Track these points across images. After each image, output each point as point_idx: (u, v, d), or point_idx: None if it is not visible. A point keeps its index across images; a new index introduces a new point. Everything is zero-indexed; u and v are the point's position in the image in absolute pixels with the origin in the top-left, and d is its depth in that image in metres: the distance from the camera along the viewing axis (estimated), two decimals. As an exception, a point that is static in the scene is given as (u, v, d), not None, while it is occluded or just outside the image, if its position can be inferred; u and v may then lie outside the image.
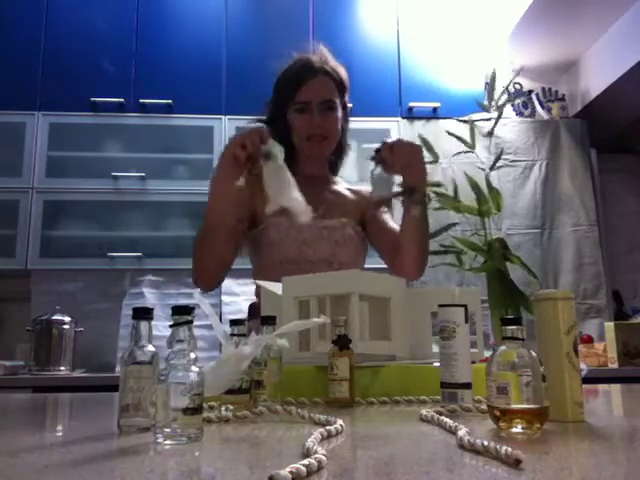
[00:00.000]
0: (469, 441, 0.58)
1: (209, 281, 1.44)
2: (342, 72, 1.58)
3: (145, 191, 2.89)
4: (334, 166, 1.66)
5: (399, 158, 1.28)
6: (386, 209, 1.31)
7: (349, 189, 1.65)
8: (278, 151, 1.22)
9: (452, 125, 3.11)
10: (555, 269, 3.09)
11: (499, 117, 1.35)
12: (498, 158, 1.34)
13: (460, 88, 3.16)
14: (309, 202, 1.29)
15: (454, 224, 1.22)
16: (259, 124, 1.31)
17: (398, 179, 1.30)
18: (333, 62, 1.57)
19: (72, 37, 3.00)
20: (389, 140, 1.33)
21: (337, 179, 1.67)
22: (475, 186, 1.20)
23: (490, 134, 1.28)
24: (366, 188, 1.65)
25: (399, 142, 1.32)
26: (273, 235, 1.46)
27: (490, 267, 1.15)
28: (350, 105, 3.01)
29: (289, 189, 1.21)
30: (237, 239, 1.44)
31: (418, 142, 1.28)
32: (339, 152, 1.64)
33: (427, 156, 1.27)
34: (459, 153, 1.28)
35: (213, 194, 1.35)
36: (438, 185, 1.21)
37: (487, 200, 1.19)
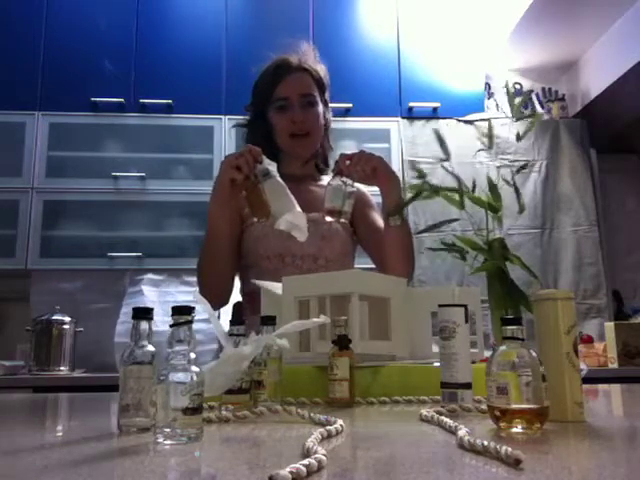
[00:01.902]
0: (469, 441, 0.58)
1: (220, 297, 1.43)
2: (321, 70, 1.57)
3: (145, 191, 2.89)
4: (320, 167, 1.64)
5: (358, 168, 1.31)
6: (335, 219, 1.33)
7: None
8: (273, 167, 1.25)
9: (452, 125, 3.14)
10: (555, 269, 3.09)
11: (532, 125, 1.36)
12: (523, 167, 1.35)
13: (460, 88, 3.16)
14: (297, 199, 1.29)
15: (455, 220, 1.22)
16: (253, 146, 1.31)
17: (353, 192, 1.34)
18: (312, 60, 1.56)
19: (72, 37, 3.00)
20: (347, 152, 1.37)
21: (324, 177, 1.65)
22: (492, 185, 1.20)
23: (519, 138, 1.29)
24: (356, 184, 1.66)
25: (359, 153, 1.35)
26: (258, 231, 1.45)
27: (491, 267, 1.15)
28: (350, 105, 3.01)
29: (292, 205, 1.23)
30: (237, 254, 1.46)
31: (434, 136, 1.29)
32: (322, 151, 1.62)
33: (440, 154, 1.26)
34: (479, 150, 1.29)
35: (213, 215, 1.37)
36: (454, 190, 1.22)
37: (500, 198, 1.20)
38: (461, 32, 3.21)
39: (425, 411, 0.79)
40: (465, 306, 0.92)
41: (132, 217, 2.91)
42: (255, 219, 1.37)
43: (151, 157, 2.98)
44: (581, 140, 3.25)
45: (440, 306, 0.92)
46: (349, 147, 3.01)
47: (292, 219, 1.23)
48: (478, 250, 1.17)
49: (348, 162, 1.34)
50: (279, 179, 1.24)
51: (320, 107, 1.54)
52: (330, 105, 1.63)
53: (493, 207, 1.18)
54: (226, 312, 2.39)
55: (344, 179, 1.32)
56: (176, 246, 2.89)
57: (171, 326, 0.68)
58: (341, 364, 0.94)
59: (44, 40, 2.97)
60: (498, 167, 3.16)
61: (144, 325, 0.73)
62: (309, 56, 1.56)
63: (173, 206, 2.92)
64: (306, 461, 0.48)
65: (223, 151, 2.92)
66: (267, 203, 1.23)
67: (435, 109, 3.11)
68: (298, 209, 1.24)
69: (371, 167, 1.33)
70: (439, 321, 0.91)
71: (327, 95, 1.59)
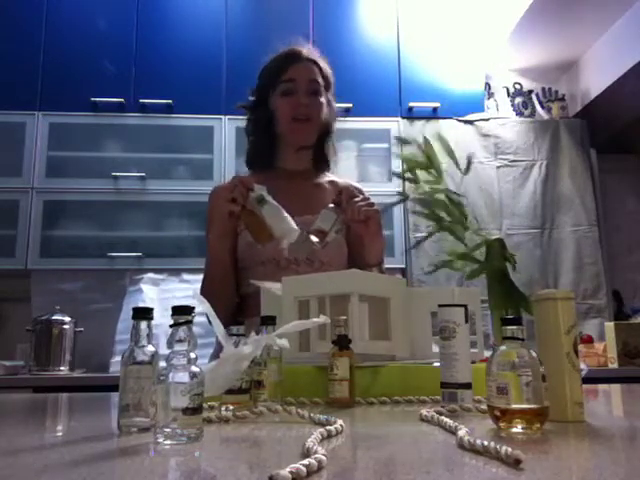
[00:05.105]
0: (469, 441, 0.58)
1: (228, 312, 1.41)
2: (327, 69, 1.57)
3: (145, 191, 2.89)
4: (318, 165, 1.61)
5: (353, 211, 1.32)
6: (317, 240, 1.34)
7: (329, 181, 1.61)
8: (265, 192, 1.28)
9: (452, 125, 3.14)
10: (555, 269, 3.09)
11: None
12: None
13: (460, 88, 3.16)
14: (288, 197, 1.31)
15: (432, 233, 1.21)
16: (242, 176, 1.34)
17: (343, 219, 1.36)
18: (318, 56, 1.57)
19: (72, 37, 3.00)
20: (353, 187, 1.48)
21: (326, 174, 1.63)
22: (455, 202, 1.18)
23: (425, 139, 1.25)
24: (345, 180, 1.65)
25: (364, 197, 1.36)
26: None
27: (490, 267, 1.15)
28: (350, 105, 3.01)
29: (292, 225, 1.27)
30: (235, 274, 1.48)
31: (434, 137, 1.27)
32: (322, 149, 1.60)
33: (446, 160, 1.24)
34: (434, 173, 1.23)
35: (215, 248, 1.41)
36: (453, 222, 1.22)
37: (458, 218, 1.18)
38: (461, 32, 3.21)
39: (425, 411, 0.79)
40: (465, 306, 0.92)
41: (132, 217, 2.91)
42: (259, 245, 1.38)
43: (151, 157, 2.98)
44: (581, 140, 3.25)
45: (440, 306, 0.92)
46: (349, 147, 3.02)
47: (295, 237, 1.27)
48: (467, 260, 1.16)
49: (347, 201, 1.33)
50: (273, 201, 1.27)
51: (324, 98, 1.55)
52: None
53: (464, 227, 1.17)
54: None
55: (339, 211, 1.33)
56: (176, 246, 2.89)
57: (171, 326, 0.68)
58: (341, 364, 0.94)
59: (44, 40, 2.97)
60: (498, 167, 3.16)
61: (144, 325, 0.73)
62: (315, 52, 1.58)
63: (173, 206, 2.92)
64: (306, 461, 0.48)
65: (223, 151, 2.93)
66: (269, 227, 1.26)
67: (435, 109, 3.11)
68: (294, 225, 1.27)
69: (366, 215, 1.33)
70: (439, 321, 0.91)
71: (331, 94, 1.59)
